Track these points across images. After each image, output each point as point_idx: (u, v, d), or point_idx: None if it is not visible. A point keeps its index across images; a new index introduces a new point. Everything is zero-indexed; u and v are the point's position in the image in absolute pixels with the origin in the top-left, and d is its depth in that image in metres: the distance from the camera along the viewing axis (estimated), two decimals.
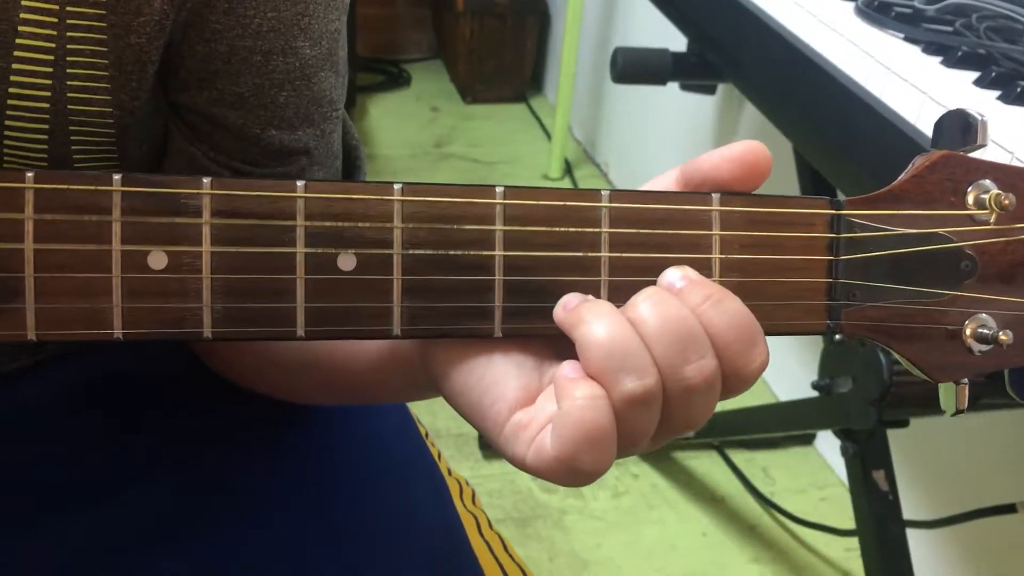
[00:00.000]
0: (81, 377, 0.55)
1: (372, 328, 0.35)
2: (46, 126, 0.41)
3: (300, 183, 0.34)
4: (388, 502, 0.53)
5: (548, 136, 2.35)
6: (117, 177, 0.33)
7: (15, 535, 0.49)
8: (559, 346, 0.35)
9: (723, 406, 1.41)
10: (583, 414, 0.32)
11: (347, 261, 0.34)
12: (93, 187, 0.33)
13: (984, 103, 0.70)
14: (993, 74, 0.71)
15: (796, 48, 0.82)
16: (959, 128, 0.37)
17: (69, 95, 0.41)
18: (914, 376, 0.73)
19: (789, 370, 1.58)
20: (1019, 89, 0.69)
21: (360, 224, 0.34)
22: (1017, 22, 0.76)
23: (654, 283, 0.35)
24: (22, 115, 0.40)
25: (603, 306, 0.34)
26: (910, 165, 0.37)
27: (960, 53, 0.75)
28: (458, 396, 0.37)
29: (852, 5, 0.86)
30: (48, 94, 0.40)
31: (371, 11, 2.59)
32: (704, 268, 0.36)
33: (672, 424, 0.34)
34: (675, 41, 1.16)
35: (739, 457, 1.48)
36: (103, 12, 0.40)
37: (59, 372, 0.54)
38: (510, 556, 0.58)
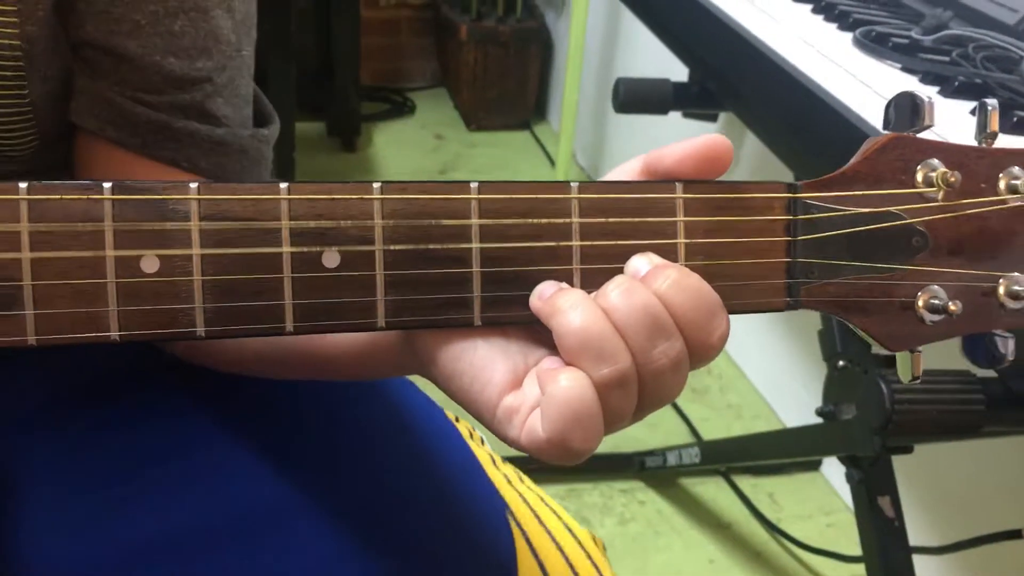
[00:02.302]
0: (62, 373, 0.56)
1: (358, 321, 0.36)
2: None
3: (284, 185, 0.35)
4: (402, 447, 0.55)
5: (552, 163, 2.37)
6: (107, 185, 0.34)
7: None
8: (539, 330, 0.37)
9: (730, 432, 1.40)
10: (568, 395, 0.34)
11: (331, 258, 0.36)
12: (85, 196, 0.34)
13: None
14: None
15: (795, 79, 0.82)
16: (908, 110, 0.38)
17: None
18: (916, 404, 0.74)
19: (795, 396, 1.58)
20: (1015, 119, 0.70)
21: (342, 222, 0.36)
22: (1013, 52, 0.77)
23: (622, 270, 0.37)
24: None
25: (576, 295, 0.36)
26: (862, 148, 0.39)
27: (957, 83, 0.76)
28: (448, 382, 0.38)
29: (850, 36, 0.87)
30: None
31: (375, 40, 2.62)
32: (670, 253, 0.37)
33: (649, 400, 0.36)
34: (677, 68, 1.17)
35: (745, 483, 1.48)
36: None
37: (28, 375, 0.56)
38: (527, 487, 0.60)
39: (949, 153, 0.38)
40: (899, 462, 0.98)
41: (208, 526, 0.51)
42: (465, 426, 0.62)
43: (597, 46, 2.20)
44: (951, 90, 0.76)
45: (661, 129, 1.93)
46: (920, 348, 0.39)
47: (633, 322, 0.35)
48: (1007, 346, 0.39)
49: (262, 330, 0.36)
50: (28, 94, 0.47)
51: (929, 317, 0.38)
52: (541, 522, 0.57)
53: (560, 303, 0.36)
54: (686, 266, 0.37)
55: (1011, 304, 0.39)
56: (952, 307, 0.38)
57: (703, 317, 0.36)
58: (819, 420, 1.02)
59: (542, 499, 0.60)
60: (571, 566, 0.56)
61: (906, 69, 0.80)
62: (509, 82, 2.52)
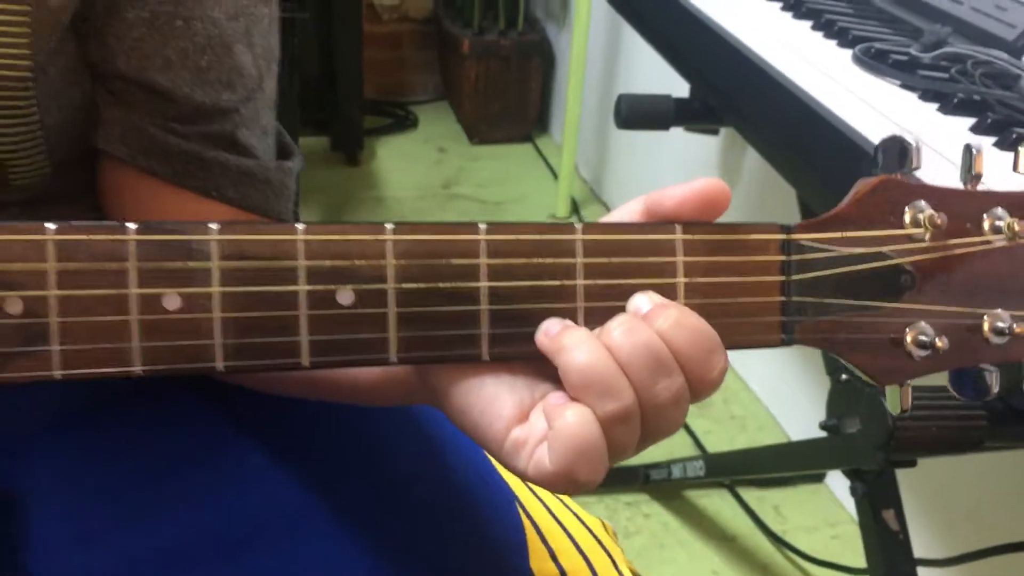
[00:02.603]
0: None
1: (371, 356, 0.38)
2: None
3: (301, 226, 0.36)
4: (412, 442, 0.56)
5: (555, 175, 2.38)
6: (132, 226, 0.35)
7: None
8: (544, 364, 0.38)
9: (734, 445, 1.41)
10: (574, 431, 0.36)
11: (346, 296, 0.37)
12: (111, 236, 0.35)
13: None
14: (989, 120, 0.73)
15: (795, 96, 0.83)
16: (896, 153, 0.40)
17: None
18: (918, 420, 0.74)
19: (799, 409, 1.58)
20: (1015, 135, 0.70)
21: (356, 262, 0.37)
22: (1012, 68, 0.78)
23: (624, 308, 0.39)
24: None
25: (581, 333, 0.37)
26: (852, 190, 0.40)
27: (956, 100, 0.76)
28: (458, 416, 0.40)
29: (850, 53, 0.87)
30: None
31: (378, 55, 2.63)
32: (670, 292, 0.39)
33: (651, 432, 0.38)
34: (679, 80, 1.18)
35: (750, 495, 1.48)
36: (27, 28, 0.44)
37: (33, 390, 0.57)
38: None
39: (935, 195, 0.40)
40: (903, 474, 0.99)
41: (224, 534, 0.51)
42: None
43: (599, 59, 2.21)
44: (950, 107, 0.76)
45: (663, 142, 1.94)
46: (909, 382, 0.40)
47: (636, 359, 0.36)
48: (993, 379, 0.40)
49: (279, 365, 0.37)
50: (39, 121, 0.48)
51: (917, 352, 0.40)
52: (551, 512, 0.59)
53: (565, 341, 0.37)
54: (685, 304, 0.39)
55: (995, 339, 0.40)
56: (939, 343, 0.40)
57: (703, 354, 0.37)
58: (823, 433, 1.03)
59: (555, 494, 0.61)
60: (582, 552, 0.57)
61: (905, 86, 0.80)
62: (511, 95, 2.53)
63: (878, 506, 0.93)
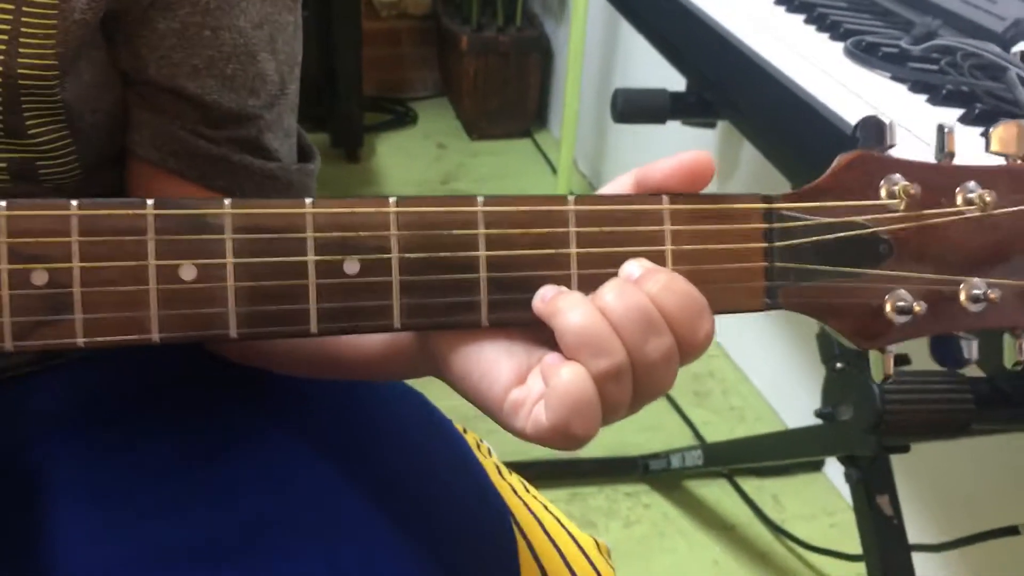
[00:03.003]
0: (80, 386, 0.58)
1: (375, 323, 0.40)
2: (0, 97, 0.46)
3: (308, 200, 0.39)
4: (412, 456, 0.58)
5: (554, 170, 2.39)
6: (150, 202, 0.38)
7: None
8: (540, 331, 0.40)
9: (734, 436, 1.42)
10: (569, 387, 0.38)
11: (352, 266, 0.39)
12: (130, 211, 0.37)
13: (969, 140, 0.73)
14: (977, 111, 0.74)
15: (788, 89, 0.84)
16: (874, 131, 0.42)
17: (20, 71, 0.46)
18: (907, 404, 0.76)
19: (797, 398, 1.60)
20: None
21: (362, 233, 0.39)
22: (1000, 60, 0.79)
23: (616, 274, 0.40)
24: None
25: (576, 297, 0.39)
26: (832, 164, 0.42)
27: (945, 91, 0.78)
28: (458, 381, 0.42)
29: (841, 46, 0.89)
30: (1, 69, 0.45)
31: (377, 51, 2.64)
32: (659, 259, 0.41)
33: (642, 391, 0.40)
34: (676, 75, 1.19)
35: (749, 485, 1.50)
36: (54, 22, 0.46)
37: (56, 382, 0.58)
38: (533, 496, 0.63)
39: (909, 169, 0.42)
40: (897, 460, 1.00)
41: (248, 528, 0.53)
42: (473, 437, 0.64)
43: (596, 54, 2.22)
44: (939, 98, 0.78)
45: (661, 136, 1.95)
46: (890, 348, 0.42)
47: (627, 320, 0.38)
48: (970, 348, 0.42)
49: (289, 332, 0.39)
50: (67, 124, 0.50)
51: (897, 319, 0.41)
52: (544, 529, 0.60)
53: (560, 304, 0.39)
54: (674, 271, 0.40)
55: (972, 307, 0.42)
56: (917, 308, 0.41)
57: (691, 317, 0.39)
58: (819, 422, 1.04)
59: (546, 507, 0.63)
60: (570, 569, 0.59)
61: (895, 78, 0.82)
62: (510, 91, 2.54)
63: (873, 492, 0.95)
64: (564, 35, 2.37)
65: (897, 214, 0.41)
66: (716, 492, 1.49)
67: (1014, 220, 0.42)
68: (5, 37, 0.45)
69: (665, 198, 0.41)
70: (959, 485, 1.26)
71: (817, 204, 0.41)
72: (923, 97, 0.79)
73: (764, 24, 0.97)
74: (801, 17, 0.98)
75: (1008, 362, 0.43)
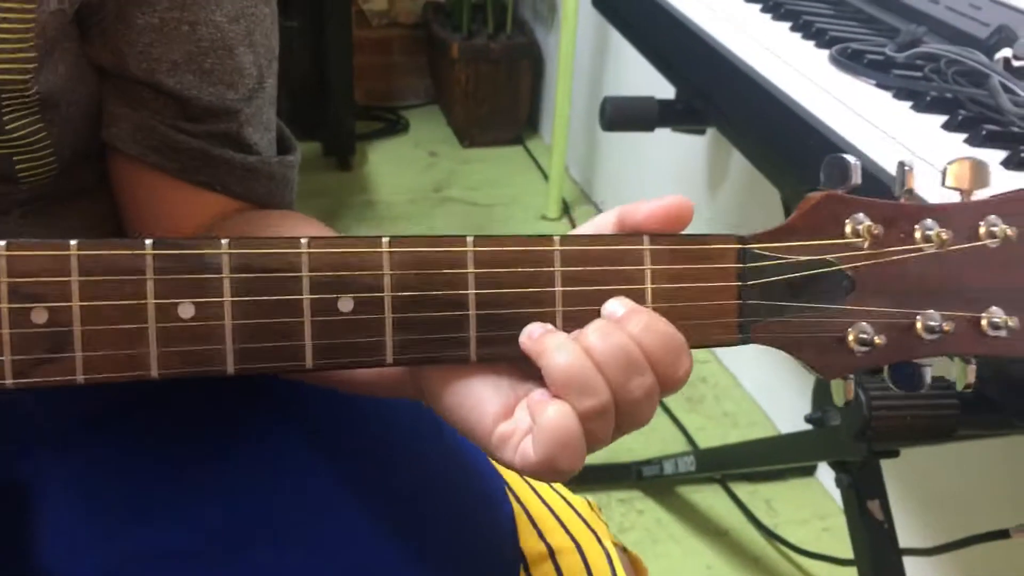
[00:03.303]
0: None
1: (369, 358, 0.41)
2: None
3: (304, 240, 0.40)
4: (406, 427, 0.59)
5: (545, 177, 2.40)
6: (149, 242, 0.39)
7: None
8: (525, 366, 0.42)
9: (727, 441, 1.42)
10: (555, 425, 0.39)
11: (346, 304, 0.40)
12: (129, 251, 0.38)
13: (952, 146, 0.73)
14: (960, 118, 0.75)
15: (775, 97, 0.85)
16: (839, 171, 0.44)
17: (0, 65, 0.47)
18: (893, 410, 0.76)
19: (790, 403, 1.60)
20: (984, 132, 0.72)
21: (356, 272, 0.40)
22: (982, 67, 0.80)
23: (599, 312, 0.42)
24: None
25: (561, 337, 0.41)
26: (799, 205, 0.44)
27: (928, 98, 0.78)
28: (447, 413, 0.43)
29: (827, 53, 0.89)
30: None
31: (368, 60, 2.65)
32: (639, 297, 0.42)
33: (624, 424, 0.41)
34: (666, 80, 1.20)
35: (742, 490, 1.50)
36: (32, 16, 0.46)
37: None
38: None
39: (873, 208, 0.44)
40: (888, 465, 1.00)
41: (239, 530, 0.53)
42: None
43: (587, 61, 2.23)
44: (923, 105, 0.78)
45: (652, 142, 1.96)
46: (851, 376, 0.45)
47: (611, 360, 0.40)
48: (926, 373, 0.45)
49: (285, 367, 0.40)
50: (43, 119, 0.50)
51: (858, 349, 0.44)
52: (538, 494, 0.62)
53: (547, 343, 0.40)
54: (653, 308, 0.42)
55: (927, 337, 0.44)
56: (878, 340, 0.44)
57: (671, 356, 0.41)
58: (810, 427, 1.04)
59: (551, 486, 0.64)
60: (567, 530, 0.61)
61: (880, 85, 0.82)
62: (501, 98, 2.55)
63: (863, 497, 0.95)
64: (554, 42, 2.38)
65: (862, 252, 0.44)
66: (709, 497, 1.50)
67: (968, 254, 0.44)
68: None
69: (646, 238, 0.43)
70: (949, 489, 1.27)
71: (787, 244, 0.43)
72: (907, 104, 0.79)
73: (750, 32, 0.98)
74: (787, 25, 0.99)
75: (959, 385, 0.45)
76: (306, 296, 0.40)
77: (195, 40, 0.52)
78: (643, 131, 1.16)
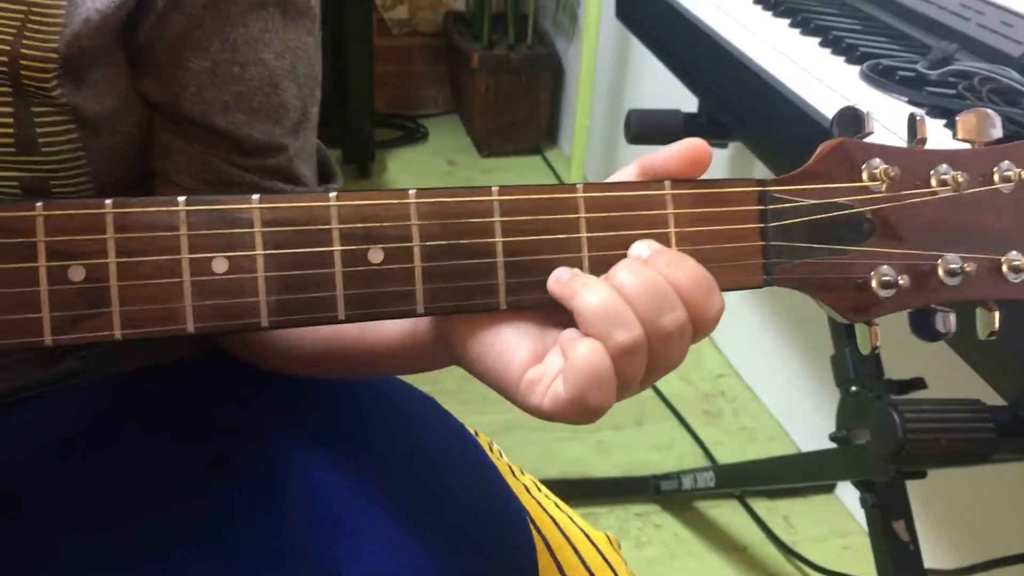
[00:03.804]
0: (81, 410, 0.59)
1: (400, 308, 0.41)
2: (11, 109, 0.48)
3: (333, 194, 0.40)
4: (429, 459, 0.59)
5: None
6: (182, 199, 0.39)
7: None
8: (553, 314, 0.42)
9: (745, 456, 1.40)
10: (588, 362, 0.39)
11: (376, 255, 0.41)
12: (164, 208, 0.39)
13: None
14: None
15: (804, 112, 0.85)
16: (852, 121, 0.45)
17: (23, 63, 0.47)
18: (928, 433, 0.75)
19: (809, 419, 1.59)
20: None
21: (384, 223, 0.41)
22: (1018, 84, 0.79)
23: (625, 256, 0.42)
24: None
25: (590, 278, 0.41)
26: (816, 152, 0.45)
27: None
28: (475, 363, 0.43)
29: (857, 69, 0.89)
30: (7, 60, 0.46)
31: (389, 68, 2.66)
32: (664, 240, 0.43)
33: (656, 365, 0.41)
34: (687, 92, 1.19)
35: (761, 506, 1.49)
36: (60, 20, 0.47)
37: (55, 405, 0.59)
38: (545, 495, 0.65)
39: (888, 154, 0.45)
40: (913, 484, 0.99)
41: (258, 543, 0.53)
42: (484, 440, 0.65)
43: (607, 72, 2.23)
44: None
45: None
46: (876, 321, 0.45)
47: (642, 296, 0.40)
48: (947, 321, 0.45)
49: (317, 319, 0.40)
50: (82, 144, 0.51)
51: (882, 292, 0.44)
52: (559, 527, 0.62)
53: (576, 285, 0.41)
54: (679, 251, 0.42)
55: (948, 281, 0.45)
56: (901, 281, 0.44)
57: (702, 292, 0.41)
58: (832, 444, 1.03)
59: (558, 505, 0.64)
60: (587, 566, 0.60)
61: (912, 102, 0.82)
62: (520, 108, 2.54)
63: (888, 517, 0.94)
64: (575, 53, 2.38)
65: (879, 195, 0.44)
66: (727, 513, 1.49)
67: (983, 198, 0.45)
68: (14, 29, 0.46)
69: (667, 183, 0.43)
70: (975, 510, 1.25)
71: (806, 187, 0.44)
72: (941, 122, 0.78)
73: (779, 47, 0.97)
74: (816, 40, 0.98)
75: (982, 334, 0.45)
76: (336, 248, 0.40)
77: (245, 80, 0.52)
78: (668, 144, 1.15)
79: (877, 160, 0.44)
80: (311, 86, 0.57)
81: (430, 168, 2.53)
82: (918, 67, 0.86)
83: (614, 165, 2.33)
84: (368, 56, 2.37)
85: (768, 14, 1.07)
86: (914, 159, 0.45)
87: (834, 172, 0.44)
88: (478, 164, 2.56)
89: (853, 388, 0.96)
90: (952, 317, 0.45)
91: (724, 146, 1.46)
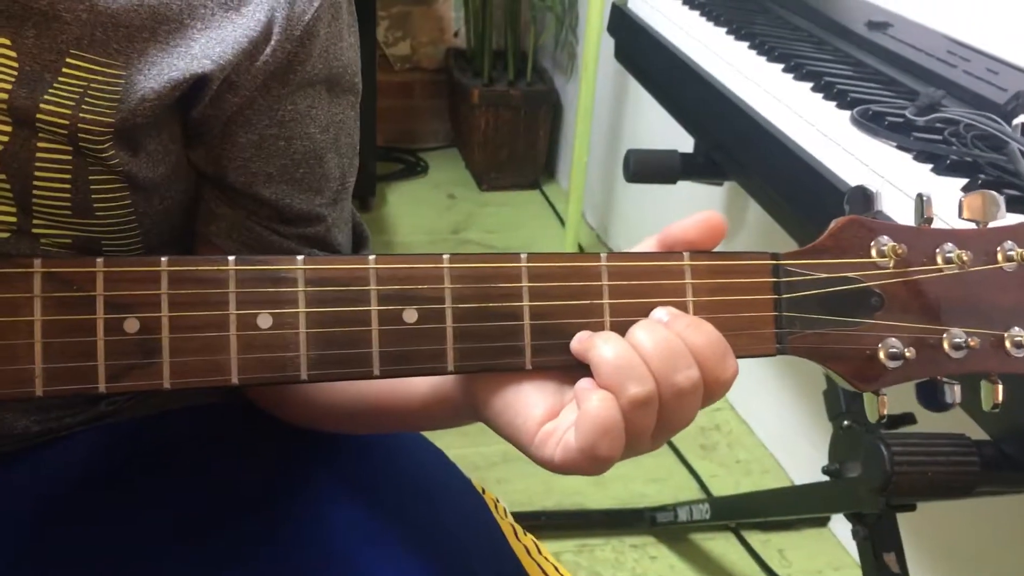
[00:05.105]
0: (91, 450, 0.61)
1: (432, 366, 0.44)
2: (70, 173, 0.50)
3: (372, 256, 0.43)
4: (437, 516, 0.60)
5: (562, 222, 2.42)
6: (231, 259, 0.42)
7: None
8: (574, 375, 0.44)
9: (739, 489, 1.41)
10: (599, 412, 0.41)
11: (410, 315, 0.43)
12: (214, 268, 0.42)
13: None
14: (980, 181, 0.77)
15: (797, 156, 0.88)
16: (862, 199, 0.48)
17: (82, 146, 0.49)
18: (915, 466, 0.77)
19: (803, 453, 1.61)
20: (1004, 196, 0.74)
21: (419, 286, 0.44)
22: (1001, 133, 0.82)
23: None
24: (48, 167, 0.49)
25: (610, 334, 0.44)
26: (828, 228, 0.47)
27: (949, 161, 0.81)
28: (496, 418, 0.46)
29: (848, 114, 0.92)
30: (67, 123, 0.48)
31: (390, 103, 2.69)
32: (682, 309, 0.46)
33: (667, 421, 0.43)
34: (683, 129, 1.22)
35: (755, 539, 1.50)
36: (118, 96, 0.48)
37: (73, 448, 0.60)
38: (544, 558, 0.66)
39: (896, 231, 0.47)
40: (904, 517, 1.01)
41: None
42: (491, 498, 0.66)
43: (606, 109, 2.26)
44: (943, 167, 0.81)
45: (668, 191, 1.98)
46: (885, 391, 0.47)
47: (657, 352, 0.43)
48: (953, 392, 0.47)
49: (354, 374, 0.43)
50: (134, 210, 0.53)
51: (889, 364, 0.46)
52: None
53: (596, 340, 0.43)
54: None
55: (954, 354, 0.47)
56: (908, 354, 0.46)
57: (717, 355, 0.43)
58: (825, 477, 1.05)
59: (557, 569, 0.65)
60: None
61: (900, 147, 0.84)
62: (519, 143, 2.58)
63: (879, 549, 0.96)
64: (573, 90, 2.41)
65: (887, 270, 0.46)
66: (722, 545, 1.50)
67: (987, 276, 0.47)
68: (74, 100, 0.48)
69: (686, 255, 0.46)
70: (966, 543, 1.27)
71: (818, 261, 0.46)
72: (927, 167, 0.81)
73: (773, 91, 1.00)
74: (808, 85, 1.02)
75: (986, 405, 0.47)
76: (374, 307, 0.43)
77: (290, 154, 0.54)
78: (665, 183, 1.18)
79: (885, 237, 0.46)
80: (351, 155, 0.59)
81: (430, 201, 2.56)
82: (906, 113, 0.89)
83: (611, 200, 2.36)
84: (371, 91, 2.40)
85: (762, 59, 1.10)
86: (921, 237, 0.47)
87: (845, 247, 0.46)
88: (477, 198, 2.59)
89: (845, 422, 0.98)
90: (957, 389, 0.47)
91: (719, 184, 1.50)
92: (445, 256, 0.44)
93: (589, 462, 0.42)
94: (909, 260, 0.46)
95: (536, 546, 0.66)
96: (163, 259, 0.42)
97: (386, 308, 0.43)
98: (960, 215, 0.48)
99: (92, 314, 0.41)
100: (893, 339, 0.46)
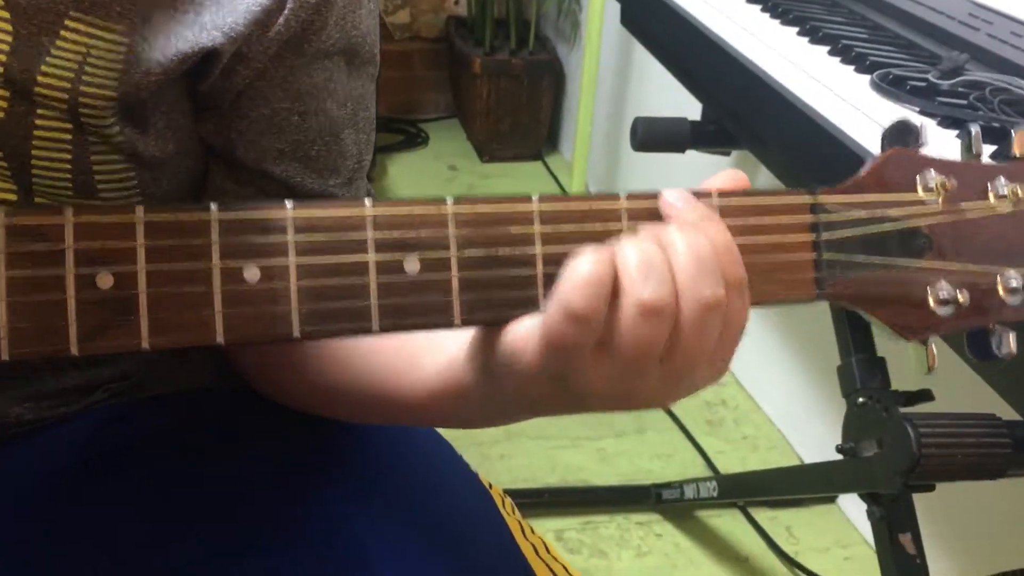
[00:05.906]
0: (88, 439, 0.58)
1: (436, 320, 0.39)
2: (70, 148, 0.47)
3: (368, 201, 0.39)
4: (443, 512, 0.58)
5: (565, 193, 2.39)
6: (214, 205, 0.37)
7: None
8: None
9: (746, 465, 1.39)
10: (585, 264, 0.37)
11: (412, 264, 0.39)
12: (195, 216, 0.37)
13: None
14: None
15: (815, 121, 0.84)
16: (905, 133, 0.43)
17: (83, 120, 0.46)
18: (943, 448, 0.74)
19: (812, 430, 1.58)
20: None
21: (421, 232, 0.39)
22: None
23: None
24: (47, 144, 0.46)
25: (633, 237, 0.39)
26: (868, 162, 0.43)
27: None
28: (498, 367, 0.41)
29: (867, 79, 0.88)
30: (67, 96, 0.46)
31: (390, 73, 2.65)
32: None
33: (681, 348, 0.38)
34: (690, 98, 1.19)
35: (762, 516, 1.48)
36: (119, 67, 0.45)
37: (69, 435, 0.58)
38: (553, 557, 0.63)
39: (943, 166, 0.43)
40: (920, 497, 0.98)
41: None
42: (498, 492, 0.64)
43: (609, 78, 2.22)
44: None
45: (673, 159, 1.95)
46: (932, 341, 0.43)
47: (686, 261, 0.38)
48: (1009, 341, 0.43)
49: (351, 329, 0.39)
50: (138, 185, 0.50)
51: (940, 310, 0.42)
52: None
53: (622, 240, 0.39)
54: None
55: (1008, 299, 0.43)
56: (961, 298, 0.42)
57: (740, 299, 0.39)
58: (835, 455, 1.02)
59: (566, 569, 0.63)
60: None
61: (924, 112, 0.81)
62: (522, 114, 2.54)
63: (895, 530, 0.93)
64: (576, 59, 2.37)
65: (935, 208, 0.42)
66: (729, 523, 1.48)
67: None
68: (72, 72, 0.45)
69: (714, 193, 0.42)
70: (982, 524, 1.25)
71: (860, 199, 0.42)
72: (952, 132, 0.78)
73: (789, 55, 0.97)
74: (825, 49, 0.98)
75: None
76: (371, 256, 0.38)
77: (304, 130, 0.51)
78: (674, 152, 1.15)
79: (933, 172, 0.42)
80: (368, 131, 0.56)
81: (431, 173, 2.52)
82: (929, 77, 0.85)
83: (615, 171, 2.32)
84: None
85: (776, 22, 1.06)
86: (971, 172, 0.43)
87: (888, 183, 0.42)
88: (479, 169, 2.56)
89: (860, 399, 0.95)
90: (1012, 337, 0.43)
91: (727, 153, 1.46)
92: (449, 199, 0.39)
93: (568, 321, 0.37)
94: (959, 196, 0.42)
95: (544, 545, 0.64)
96: (139, 207, 0.37)
97: (385, 257, 0.38)
98: (1010, 152, 0.44)
99: (61, 269, 0.36)
100: (943, 283, 0.42)
